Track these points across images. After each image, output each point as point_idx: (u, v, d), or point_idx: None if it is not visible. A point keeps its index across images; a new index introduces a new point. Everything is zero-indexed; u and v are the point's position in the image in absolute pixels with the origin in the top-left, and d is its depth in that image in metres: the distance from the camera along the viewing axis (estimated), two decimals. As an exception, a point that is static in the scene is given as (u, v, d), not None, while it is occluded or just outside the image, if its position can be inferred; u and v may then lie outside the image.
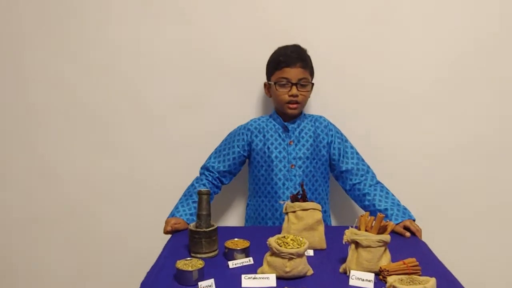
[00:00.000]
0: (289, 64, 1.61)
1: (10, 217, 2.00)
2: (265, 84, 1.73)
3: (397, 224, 1.49)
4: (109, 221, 1.98)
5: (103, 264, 2.01)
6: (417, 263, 1.18)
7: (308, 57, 1.68)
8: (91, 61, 1.88)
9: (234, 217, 1.96)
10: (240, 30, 1.82)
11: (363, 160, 1.69)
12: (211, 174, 1.71)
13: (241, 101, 1.87)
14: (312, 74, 1.69)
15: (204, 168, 1.74)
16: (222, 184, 1.74)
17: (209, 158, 1.75)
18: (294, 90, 1.62)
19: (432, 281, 0.96)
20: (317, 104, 1.84)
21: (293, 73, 1.62)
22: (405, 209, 1.56)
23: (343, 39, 1.81)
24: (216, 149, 1.77)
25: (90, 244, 2.00)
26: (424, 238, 1.48)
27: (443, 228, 1.88)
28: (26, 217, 1.99)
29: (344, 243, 1.21)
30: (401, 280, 0.98)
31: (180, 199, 1.67)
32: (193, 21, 1.83)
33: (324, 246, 1.38)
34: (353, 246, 1.20)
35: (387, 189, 1.64)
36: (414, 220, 1.53)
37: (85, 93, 1.90)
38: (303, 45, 1.69)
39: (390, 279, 0.98)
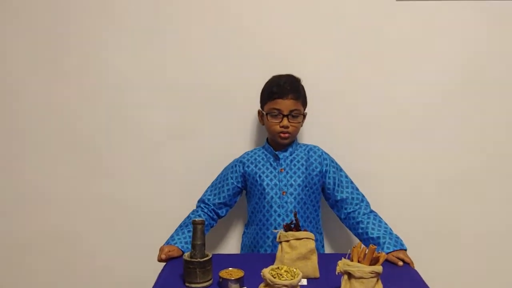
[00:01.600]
0: (281, 96, 1.64)
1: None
2: (259, 112, 1.76)
3: (388, 252, 1.52)
4: (101, 249, 1.98)
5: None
6: (409, 294, 1.20)
7: (301, 87, 1.71)
8: (86, 87, 1.90)
9: (232, 247, 1.97)
10: (236, 60, 1.86)
11: (357, 189, 1.72)
12: (207, 206, 1.74)
13: (235, 131, 1.90)
14: (304, 104, 1.72)
15: (200, 201, 1.77)
16: (218, 217, 1.76)
17: (205, 191, 1.78)
18: (285, 122, 1.65)
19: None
20: (312, 133, 1.87)
21: (285, 104, 1.65)
22: (397, 238, 1.58)
23: (338, 69, 1.85)
24: (212, 183, 1.80)
25: (80, 273, 2.00)
26: (416, 266, 1.50)
27: (435, 256, 1.90)
28: (13, 243, 1.99)
29: (337, 273, 1.23)
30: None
31: (176, 229, 1.69)
32: (188, 52, 1.87)
33: (317, 275, 1.40)
34: (346, 277, 1.22)
35: (380, 218, 1.66)
36: (405, 250, 1.55)
37: (78, 119, 1.92)
38: (298, 75, 1.72)
39: (382, 312, 1.00)
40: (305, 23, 1.84)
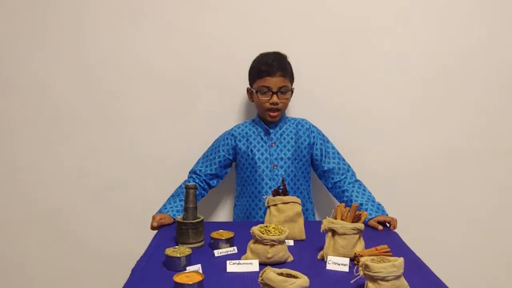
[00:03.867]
0: (270, 74, 1.70)
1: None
2: (247, 90, 1.82)
3: (370, 218, 1.60)
4: (96, 223, 2.04)
5: (89, 266, 2.06)
6: (389, 249, 1.28)
7: (288, 64, 1.77)
8: (79, 67, 1.95)
9: (223, 218, 2.03)
10: (224, 38, 1.92)
11: (343, 160, 1.80)
12: (198, 177, 1.80)
13: (225, 107, 1.96)
14: (292, 80, 1.79)
15: (192, 172, 1.83)
16: (209, 187, 1.83)
17: (197, 163, 1.84)
18: (275, 98, 1.71)
19: (400, 259, 1.05)
20: (300, 107, 1.94)
21: (274, 82, 1.71)
22: (379, 205, 1.66)
23: (326, 44, 1.92)
24: (203, 154, 1.86)
25: (75, 245, 2.05)
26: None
27: (414, 224, 1.99)
28: (11, 218, 2.04)
29: (321, 231, 1.31)
30: (373, 259, 1.07)
31: (168, 199, 1.75)
32: (178, 29, 1.92)
33: (303, 237, 1.47)
34: (330, 234, 1.30)
35: (364, 186, 1.74)
36: (386, 215, 1.63)
37: (73, 99, 1.97)
38: (285, 51, 1.78)
39: (363, 259, 1.07)
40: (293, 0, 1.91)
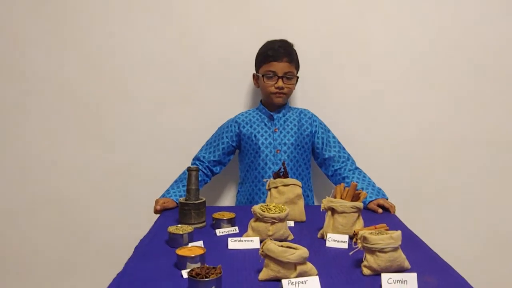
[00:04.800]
0: (276, 59, 1.74)
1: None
2: (253, 75, 1.85)
3: (371, 201, 1.62)
4: (97, 213, 2.05)
5: (93, 255, 2.08)
6: (388, 228, 1.29)
7: (295, 51, 1.81)
8: (82, 57, 1.97)
9: (226, 205, 2.05)
10: (228, 26, 1.94)
11: (344, 148, 1.82)
12: (202, 163, 1.83)
13: (229, 95, 1.98)
14: (297, 67, 1.82)
15: (196, 159, 1.86)
16: (212, 174, 1.85)
17: (201, 149, 1.87)
18: (280, 83, 1.75)
19: (398, 232, 1.08)
20: (302, 97, 1.97)
21: (280, 67, 1.74)
22: (379, 189, 1.69)
23: (328, 36, 1.94)
24: (207, 141, 1.89)
25: (78, 235, 2.07)
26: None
27: (415, 213, 2.00)
28: (15, 207, 2.06)
29: (321, 210, 1.33)
30: (371, 232, 1.09)
31: (171, 184, 1.78)
32: (180, 17, 1.94)
33: (303, 218, 1.50)
34: (329, 212, 1.32)
35: (364, 173, 1.77)
36: (387, 199, 1.66)
37: (76, 88, 1.99)
38: (289, 39, 1.81)
39: (361, 232, 1.09)
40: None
